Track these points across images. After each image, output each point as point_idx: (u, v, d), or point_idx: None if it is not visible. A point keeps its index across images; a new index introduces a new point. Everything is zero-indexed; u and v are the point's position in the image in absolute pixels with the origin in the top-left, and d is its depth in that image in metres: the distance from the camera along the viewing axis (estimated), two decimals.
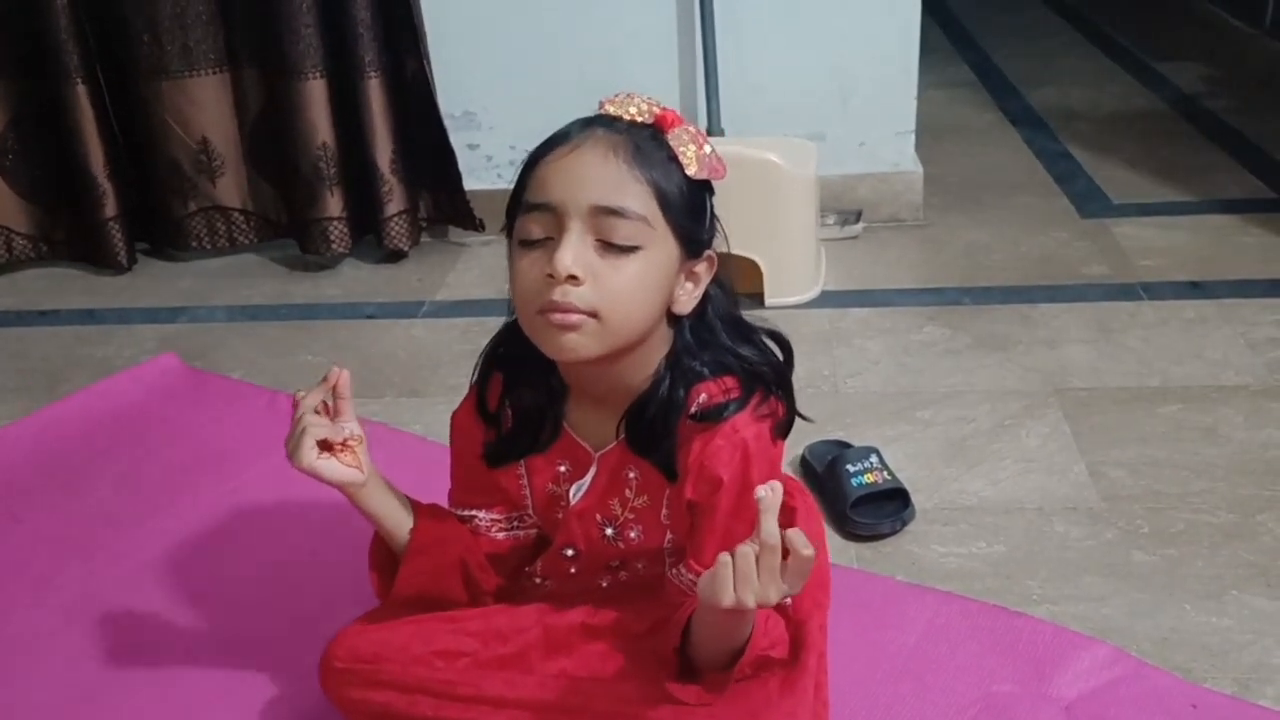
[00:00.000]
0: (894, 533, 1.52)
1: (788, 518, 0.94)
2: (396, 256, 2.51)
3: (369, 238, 2.52)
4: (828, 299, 2.22)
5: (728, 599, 0.89)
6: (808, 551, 0.87)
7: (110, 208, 2.47)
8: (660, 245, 1.00)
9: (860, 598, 1.38)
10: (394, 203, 2.44)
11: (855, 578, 1.43)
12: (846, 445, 1.66)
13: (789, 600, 1.10)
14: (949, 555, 1.48)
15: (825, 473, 1.60)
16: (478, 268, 2.48)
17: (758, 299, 2.15)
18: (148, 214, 2.56)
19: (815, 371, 1.92)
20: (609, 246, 0.98)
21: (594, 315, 0.98)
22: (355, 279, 2.47)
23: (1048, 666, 1.26)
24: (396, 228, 2.46)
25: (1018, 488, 1.60)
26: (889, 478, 1.56)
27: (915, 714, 1.22)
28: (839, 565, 1.44)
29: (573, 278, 0.97)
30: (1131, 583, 1.41)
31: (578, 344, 0.99)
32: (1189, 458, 1.64)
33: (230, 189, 2.52)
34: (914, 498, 1.55)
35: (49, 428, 1.88)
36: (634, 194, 0.98)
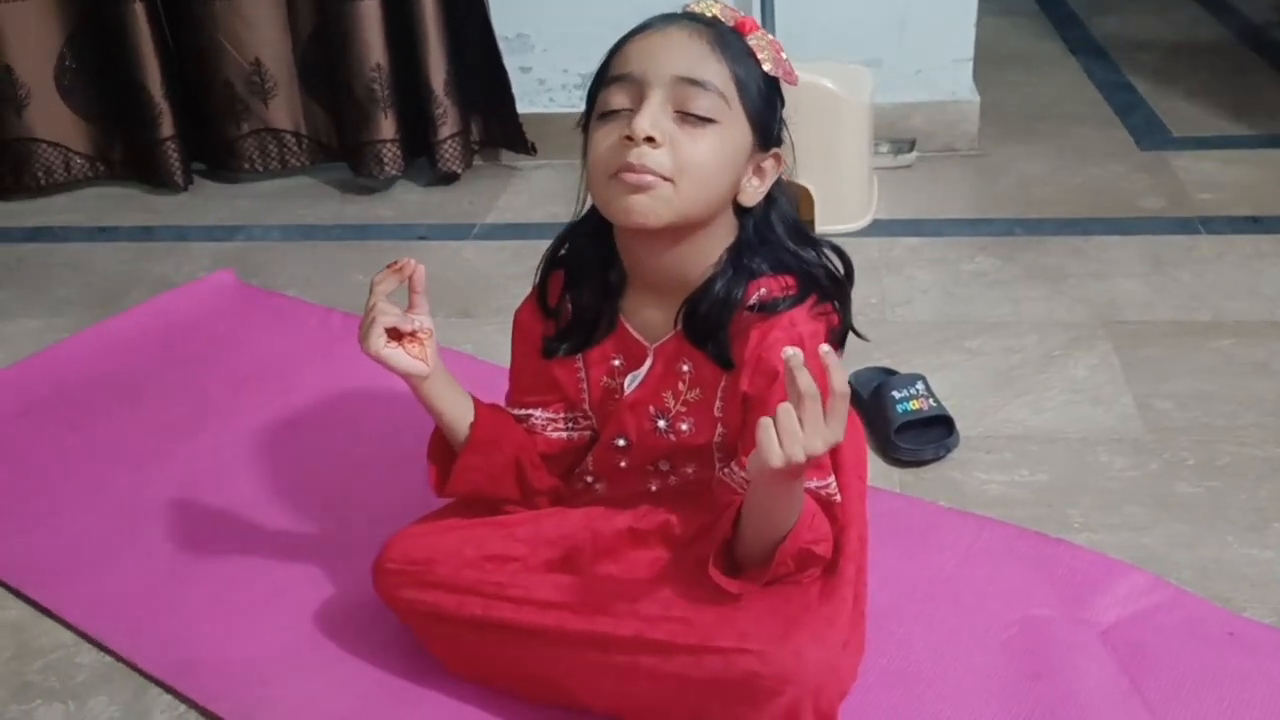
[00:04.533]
0: (937, 459, 1.53)
1: None
2: (449, 179, 2.53)
3: (421, 160, 2.54)
4: (879, 227, 2.20)
5: (777, 458, 0.91)
6: (843, 389, 0.90)
7: (167, 127, 2.49)
8: (735, 126, 1.04)
9: (901, 522, 1.40)
10: (447, 125, 2.45)
11: (897, 502, 1.44)
12: (892, 372, 1.67)
13: (837, 497, 1.12)
14: (991, 482, 1.49)
15: (870, 399, 1.61)
16: (529, 191, 2.48)
17: (808, 226, 2.13)
18: (202, 135, 2.59)
19: (864, 299, 1.92)
20: (687, 117, 1.02)
21: (668, 180, 1.01)
22: (407, 201, 2.49)
23: (1086, 592, 1.27)
24: (449, 150, 2.47)
25: (1063, 418, 1.60)
26: (934, 405, 1.57)
27: (953, 634, 1.24)
28: (882, 489, 1.45)
29: (650, 140, 1.00)
30: (1174, 513, 1.41)
31: (648, 207, 1.02)
32: (1238, 391, 1.63)
33: (282, 111, 2.53)
34: (959, 425, 1.56)
35: (109, 340, 1.93)
36: (714, 71, 1.02)
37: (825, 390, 0.90)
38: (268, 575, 1.39)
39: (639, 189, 1.01)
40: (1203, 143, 2.50)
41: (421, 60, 2.39)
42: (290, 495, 1.54)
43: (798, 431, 0.90)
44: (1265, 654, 1.19)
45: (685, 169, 1.01)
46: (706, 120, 1.02)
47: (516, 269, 2.11)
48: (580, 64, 1.07)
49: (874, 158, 2.30)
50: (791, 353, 0.90)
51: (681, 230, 1.06)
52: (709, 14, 1.06)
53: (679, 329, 1.11)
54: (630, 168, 1.01)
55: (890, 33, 2.40)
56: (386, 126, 2.44)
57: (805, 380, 0.89)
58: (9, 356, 1.92)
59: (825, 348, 0.91)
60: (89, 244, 2.37)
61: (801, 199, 2.12)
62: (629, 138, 1.00)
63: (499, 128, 2.54)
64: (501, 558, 1.17)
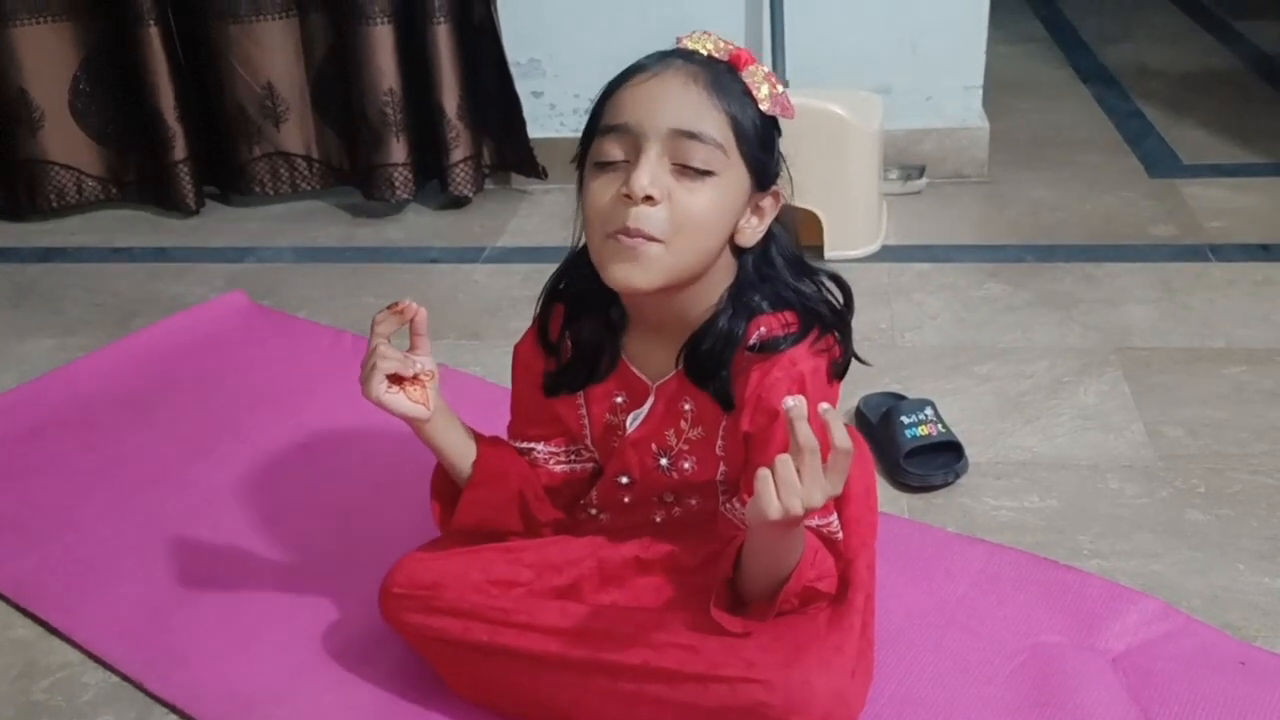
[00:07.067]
0: (946, 485, 1.52)
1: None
2: (460, 202, 2.54)
3: (432, 183, 2.55)
4: (888, 254, 2.21)
5: (774, 510, 0.90)
6: (845, 445, 0.89)
7: (179, 150, 2.51)
8: (733, 174, 1.02)
9: (910, 547, 1.39)
10: (460, 149, 2.46)
11: (906, 527, 1.44)
12: (902, 398, 1.67)
13: (839, 535, 1.11)
14: (1000, 508, 1.48)
15: (879, 424, 1.60)
16: (539, 215, 2.49)
17: (817, 252, 2.14)
18: (214, 158, 2.60)
19: (873, 325, 1.92)
20: (685, 170, 1.00)
21: (663, 241, 1.00)
22: (418, 224, 2.50)
23: (1096, 619, 1.27)
24: (461, 174, 2.48)
25: (1073, 444, 1.59)
26: (943, 430, 1.56)
27: (962, 661, 1.23)
28: (890, 514, 1.45)
29: (649, 199, 0.98)
30: (1185, 541, 1.40)
31: (639, 276, 1.01)
32: (1250, 419, 1.63)
33: (294, 135, 2.54)
34: (968, 451, 1.55)
35: (123, 359, 1.94)
36: (712, 120, 1.00)
37: (826, 444, 0.89)
38: (275, 596, 1.39)
39: (630, 256, 1.00)
40: (1213, 170, 2.51)
41: (434, 84, 2.40)
42: (299, 516, 1.54)
43: (796, 484, 0.89)
44: (1276, 683, 1.18)
45: (683, 224, 1.00)
46: (705, 173, 1.00)
47: (526, 292, 2.10)
48: (591, 89, 1.06)
49: (884, 184, 2.30)
50: (792, 404, 0.88)
51: (678, 284, 1.04)
52: (704, 51, 1.03)
53: (681, 368, 1.11)
54: (628, 231, 0.99)
55: (900, 59, 2.41)
56: (398, 150, 2.45)
57: (805, 433, 0.88)
58: (22, 375, 1.93)
59: (825, 405, 0.89)
60: (102, 265, 2.38)
61: (810, 224, 2.12)
62: (627, 195, 0.99)
63: (510, 151, 2.55)
64: (507, 582, 1.16)
